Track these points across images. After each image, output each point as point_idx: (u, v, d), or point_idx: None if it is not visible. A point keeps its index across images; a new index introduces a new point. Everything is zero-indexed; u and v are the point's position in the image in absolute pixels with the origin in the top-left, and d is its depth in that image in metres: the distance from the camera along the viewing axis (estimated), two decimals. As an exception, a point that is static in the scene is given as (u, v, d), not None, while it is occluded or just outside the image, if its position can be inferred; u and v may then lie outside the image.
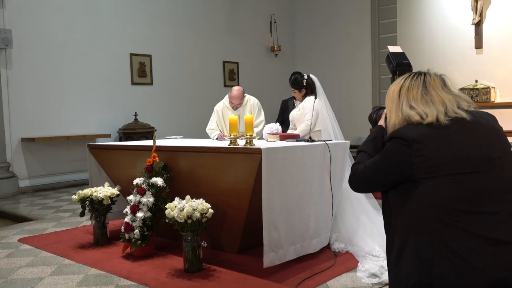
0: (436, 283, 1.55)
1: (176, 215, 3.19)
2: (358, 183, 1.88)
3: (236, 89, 5.25)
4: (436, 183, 1.62)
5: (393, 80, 2.02)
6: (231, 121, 3.68)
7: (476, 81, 8.29)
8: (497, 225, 1.58)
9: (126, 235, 3.65)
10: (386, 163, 1.75)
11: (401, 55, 2.06)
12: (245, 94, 5.33)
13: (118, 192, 4.15)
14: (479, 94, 8.12)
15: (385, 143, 1.79)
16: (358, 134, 10.12)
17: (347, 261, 3.42)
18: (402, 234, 1.69)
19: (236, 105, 5.24)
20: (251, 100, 5.34)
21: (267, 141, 4.11)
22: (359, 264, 3.31)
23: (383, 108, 2.03)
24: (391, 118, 1.82)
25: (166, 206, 3.31)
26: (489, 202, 1.61)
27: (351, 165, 4.09)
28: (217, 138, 5.15)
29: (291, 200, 3.34)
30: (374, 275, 3.09)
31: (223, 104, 5.38)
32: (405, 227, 1.67)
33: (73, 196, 4.10)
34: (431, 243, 1.59)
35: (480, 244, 1.55)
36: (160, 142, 4.24)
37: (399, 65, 1.99)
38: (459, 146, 1.66)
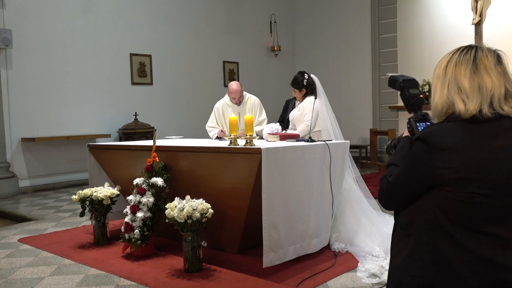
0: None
1: (176, 215, 3.19)
2: (386, 199, 1.71)
3: (234, 83, 5.20)
4: (454, 197, 1.50)
5: (404, 97, 1.93)
6: (231, 121, 3.67)
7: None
8: (504, 249, 1.48)
9: (126, 235, 3.65)
10: (410, 173, 1.60)
11: (402, 75, 1.98)
12: (244, 93, 5.31)
13: (118, 192, 4.15)
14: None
15: (412, 143, 1.64)
16: (358, 134, 10.13)
17: (347, 261, 3.42)
18: (404, 232, 1.62)
19: (238, 98, 5.20)
20: (251, 99, 5.31)
21: (267, 141, 4.11)
22: (359, 264, 3.31)
23: (398, 138, 1.87)
24: (435, 97, 1.63)
25: (166, 206, 3.31)
26: (505, 225, 1.49)
27: (351, 166, 4.14)
28: (217, 136, 5.12)
29: (291, 200, 3.34)
30: (374, 275, 3.09)
31: (223, 102, 5.35)
32: (410, 227, 1.60)
33: (73, 196, 4.10)
34: (430, 251, 1.53)
35: (481, 265, 1.47)
36: (160, 142, 4.23)
37: (406, 81, 1.90)
38: (496, 165, 1.49)
